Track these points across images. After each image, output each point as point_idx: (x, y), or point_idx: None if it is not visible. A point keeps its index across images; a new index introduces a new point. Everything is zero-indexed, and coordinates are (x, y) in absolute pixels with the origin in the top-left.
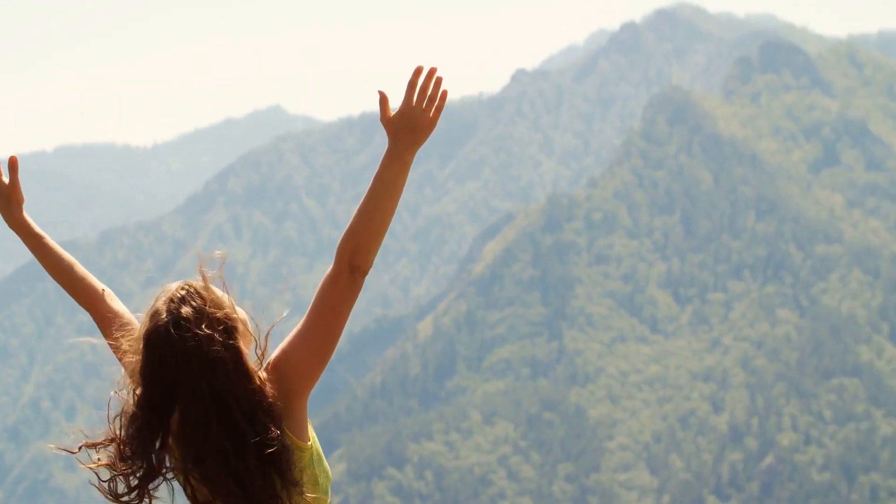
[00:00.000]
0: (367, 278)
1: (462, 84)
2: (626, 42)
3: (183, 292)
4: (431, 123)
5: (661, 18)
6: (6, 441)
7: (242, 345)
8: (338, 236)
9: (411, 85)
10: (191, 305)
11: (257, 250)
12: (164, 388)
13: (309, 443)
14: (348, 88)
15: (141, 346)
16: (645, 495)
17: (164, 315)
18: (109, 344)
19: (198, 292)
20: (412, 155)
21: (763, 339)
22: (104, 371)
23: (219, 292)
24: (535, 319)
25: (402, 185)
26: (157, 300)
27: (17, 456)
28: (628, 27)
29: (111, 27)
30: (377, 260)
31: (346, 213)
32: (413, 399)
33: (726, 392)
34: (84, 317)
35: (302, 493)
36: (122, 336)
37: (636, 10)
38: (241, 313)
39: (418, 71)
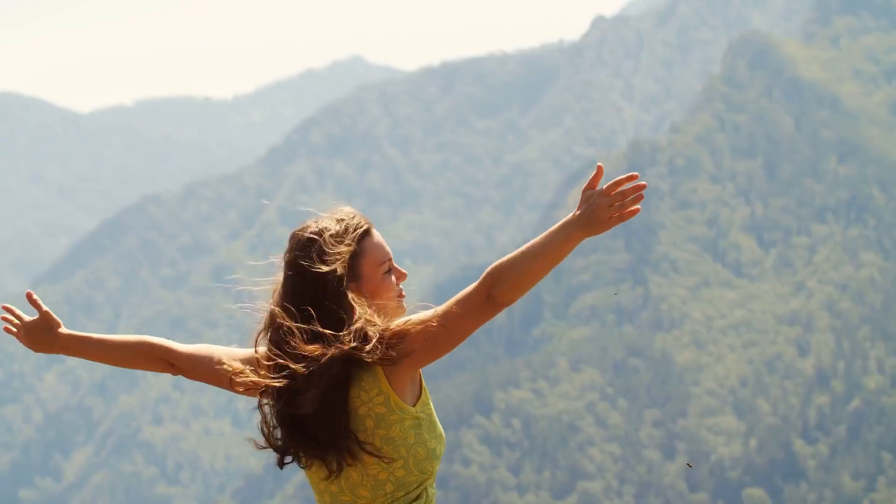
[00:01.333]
0: (451, 225)
1: (542, 31)
2: None
3: (336, 217)
4: (608, 224)
5: None
6: (94, 395)
7: (365, 289)
8: (421, 186)
9: (618, 182)
10: (334, 225)
11: (341, 201)
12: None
13: (414, 407)
14: (429, 37)
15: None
16: (732, 440)
17: (303, 231)
18: (213, 383)
19: (343, 218)
20: (580, 238)
21: (847, 282)
22: (189, 325)
23: (375, 241)
24: (619, 266)
25: (563, 255)
26: (310, 223)
27: (105, 410)
28: None
29: None
30: (461, 208)
31: (429, 163)
32: (499, 347)
33: (812, 335)
34: (169, 271)
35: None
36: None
37: None
38: (394, 281)
39: (632, 177)
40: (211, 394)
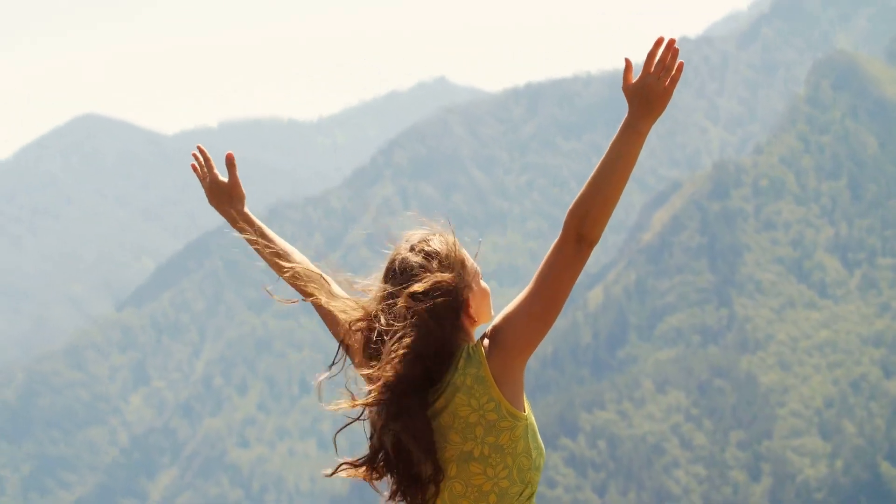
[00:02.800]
0: (537, 247)
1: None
2: (788, 7)
3: (431, 235)
4: (666, 94)
5: None
6: (180, 417)
7: (472, 304)
8: (507, 207)
9: (651, 55)
10: (435, 245)
11: (426, 221)
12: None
13: (524, 413)
14: (513, 58)
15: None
16: (818, 461)
17: (404, 247)
18: (331, 331)
19: (445, 241)
20: (647, 125)
21: None
22: (275, 347)
23: (464, 251)
24: (704, 287)
25: (636, 155)
26: (399, 246)
27: (191, 432)
28: None
29: None
30: (546, 229)
31: (515, 184)
32: (585, 368)
33: None
34: (254, 293)
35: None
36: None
37: None
38: (483, 285)
39: (659, 41)
40: (296, 415)
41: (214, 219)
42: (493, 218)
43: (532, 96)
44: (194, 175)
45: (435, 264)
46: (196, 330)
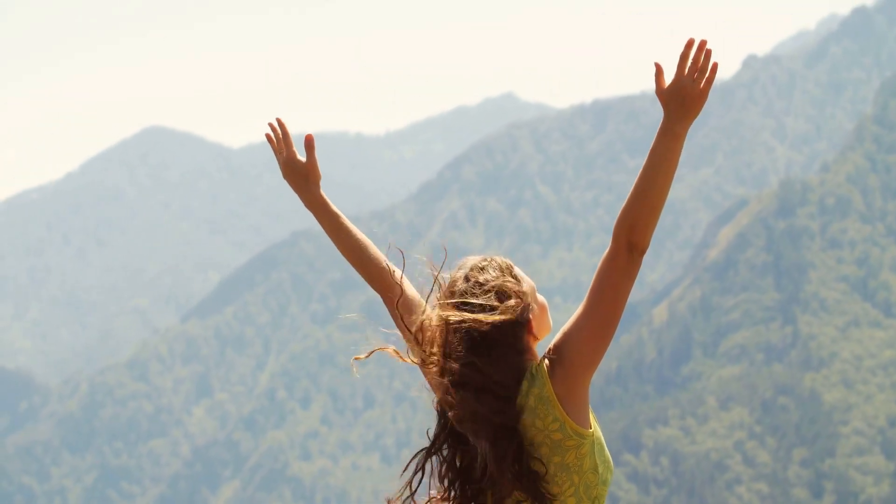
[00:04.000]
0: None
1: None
2: (857, 26)
3: (484, 263)
4: (702, 95)
5: (893, 1)
6: (242, 430)
7: (535, 329)
8: (573, 223)
9: (683, 57)
10: (489, 274)
11: (492, 238)
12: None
13: (590, 430)
14: (580, 75)
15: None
16: (881, 479)
17: (459, 281)
18: (401, 331)
19: (498, 264)
20: (685, 128)
21: None
22: (338, 360)
23: (520, 272)
24: (768, 304)
25: (676, 158)
26: (456, 271)
27: (254, 445)
28: (859, 11)
29: (341, 7)
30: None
31: (580, 200)
32: (648, 385)
33: None
34: (319, 306)
35: (578, 476)
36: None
37: None
38: (540, 299)
39: (689, 43)
40: (360, 429)
41: (280, 232)
42: (558, 233)
43: (599, 113)
44: (261, 188)
45: (493, 295)
46: (260, 343)
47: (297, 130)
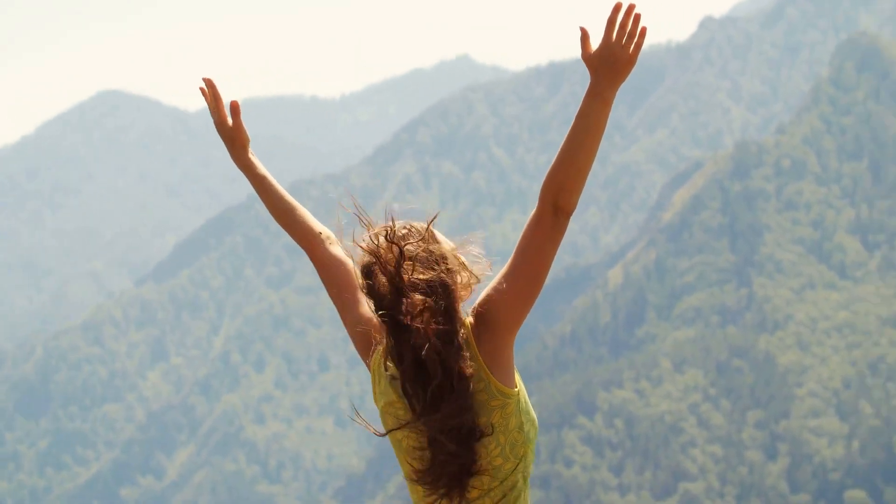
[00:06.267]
0: None
1: (650, 32)
2: None
3: (404, 231)
4: (631, 60)
5: None
6: (197, 394)
7: (459, 288)
8: (527, 186)
9: (610, 21)
10: (410, 243)
11: (447, 200)
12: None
13: (515, 389)
14: (536, 37)
15: (361, 277)
16: (835, 441)
17: (383, 244)
18: (326, 288)
19: (419, 231)
20: (613, 92)
21: None
22: (293, 324)
23: (441, 236)
24: (723, 267)
25: (604, 122)
26: (377, 237)
27: (208, 409)
28: None
29: None
30: None
31: (535, 163)
32: (603, 347)
33: None
34: (274, 269)
35: (503, 433)
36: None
37: None
38: (461, 259)
39: (617, 7)
40: (314, 392)
41: (236, 196)
42: (513, 196)
43: (555, 75)
44: (217, 152)
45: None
46: (215, 307)
47: (252, 94)
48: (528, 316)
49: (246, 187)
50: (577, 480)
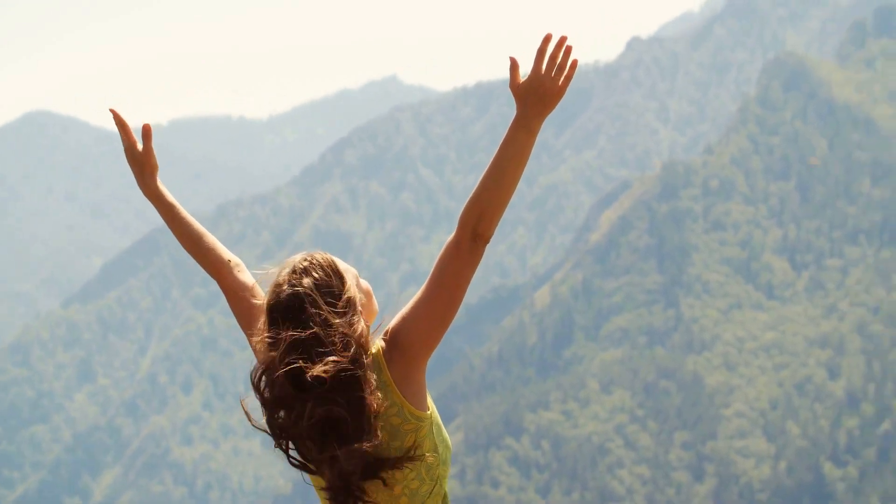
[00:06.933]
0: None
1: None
2: (741, 8)
3: (305, 264)
4: (560, 92)
5: None
6: (124, 416)
7: (363, 317)
8: (455, 206)
9: (540, 52)
10: (312, 277)
11: (374, 221)
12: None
13: (428, 412)
14: (464, 58)
15: (264, 316)
16: (762, 462)
17: (285, 287)
18: (235, 316)
19: (320, 264)
20: (539, 123)
21: (879, 305)
22: (221, 345)
23: (343, 265)
24: (651, 287)
25: (528, 152)
26: (280, 272)
27: (135, 430)
28: None
29: None
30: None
31: (463, 183)
32: (530, 368)
33: (843, 358)
34: (201, 290)
35: (419, 458)
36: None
37: None
38: (364, 285)
39: (547, 38)
40: (241, 414)
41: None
42: (441, 217)
43: (482, 96)
44: None
45: (323, 299)
46: (142, 328)
47: (180, 114)
48: (455, 337)
49: None
50: (504, 502)
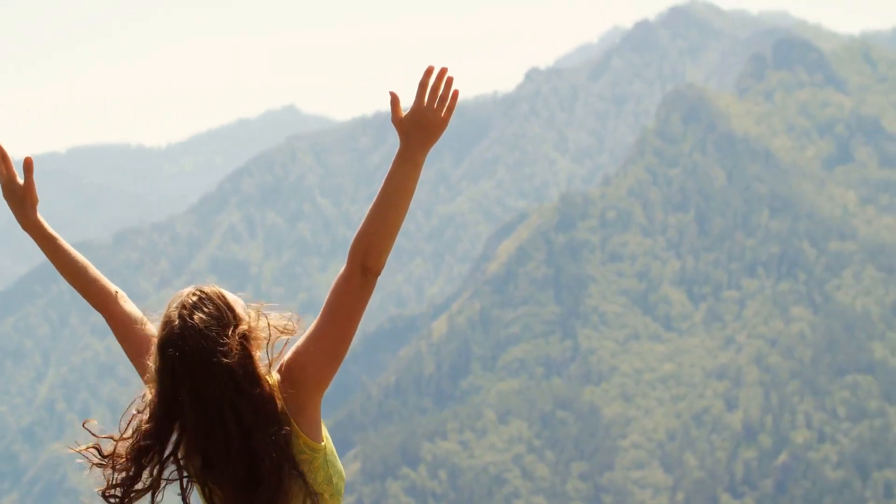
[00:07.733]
0: (381, 277)
1: (476, 83)
2: (640, 40)
3: (195, 298)
4: (443, 123)
5: (675, 16)
6: (21, 442)
7: (254, 349)
8: (351, 236)
9: (422, 85)
10: (203, 311)
11: (271, 251)
12: (175, 393)
13: (322, 443)
14: (362, 88)
15: (155, 352)
16: (659, 493)
17: (175, 322)
18: (124, 348)
19: (210, 298)
20: (423, 155)
21: (777, 337)
22: (119, 372)
23: (232, 297)
24: (549, 318)
25: (414, 185)
26: (169, 306)
27: (32, 457)
28: (642, 25)
29: (125, 23)
30: (391, 259)
31: (360, 213)
32: (427, 398)
33: (740, 390)
34: (98, 318)
35: (316, 494)
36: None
37: (650, 7)
38: (254, 317)
39: (429, 71)
40: None
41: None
42: (338, 246)
43: (380, 125)
44: (42, 199)
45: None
46: (40, 354)
47: (77, 142)
48: (353, 366)
49: (73, 234)
50: None
